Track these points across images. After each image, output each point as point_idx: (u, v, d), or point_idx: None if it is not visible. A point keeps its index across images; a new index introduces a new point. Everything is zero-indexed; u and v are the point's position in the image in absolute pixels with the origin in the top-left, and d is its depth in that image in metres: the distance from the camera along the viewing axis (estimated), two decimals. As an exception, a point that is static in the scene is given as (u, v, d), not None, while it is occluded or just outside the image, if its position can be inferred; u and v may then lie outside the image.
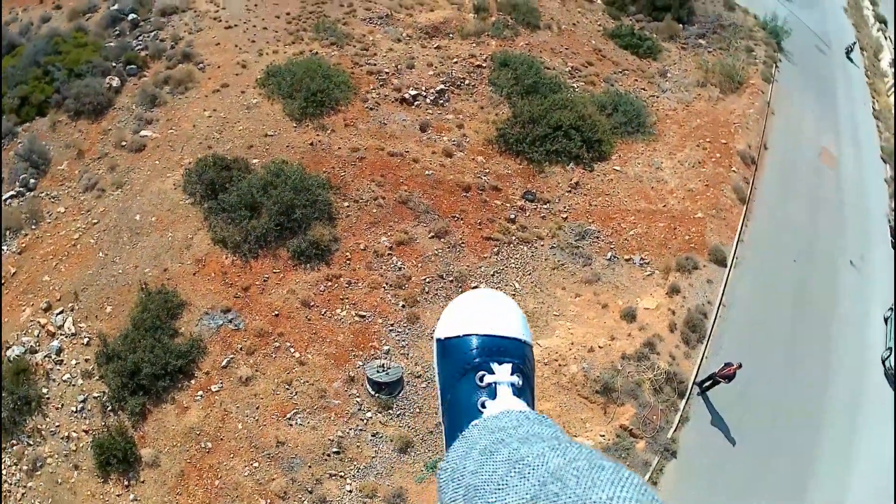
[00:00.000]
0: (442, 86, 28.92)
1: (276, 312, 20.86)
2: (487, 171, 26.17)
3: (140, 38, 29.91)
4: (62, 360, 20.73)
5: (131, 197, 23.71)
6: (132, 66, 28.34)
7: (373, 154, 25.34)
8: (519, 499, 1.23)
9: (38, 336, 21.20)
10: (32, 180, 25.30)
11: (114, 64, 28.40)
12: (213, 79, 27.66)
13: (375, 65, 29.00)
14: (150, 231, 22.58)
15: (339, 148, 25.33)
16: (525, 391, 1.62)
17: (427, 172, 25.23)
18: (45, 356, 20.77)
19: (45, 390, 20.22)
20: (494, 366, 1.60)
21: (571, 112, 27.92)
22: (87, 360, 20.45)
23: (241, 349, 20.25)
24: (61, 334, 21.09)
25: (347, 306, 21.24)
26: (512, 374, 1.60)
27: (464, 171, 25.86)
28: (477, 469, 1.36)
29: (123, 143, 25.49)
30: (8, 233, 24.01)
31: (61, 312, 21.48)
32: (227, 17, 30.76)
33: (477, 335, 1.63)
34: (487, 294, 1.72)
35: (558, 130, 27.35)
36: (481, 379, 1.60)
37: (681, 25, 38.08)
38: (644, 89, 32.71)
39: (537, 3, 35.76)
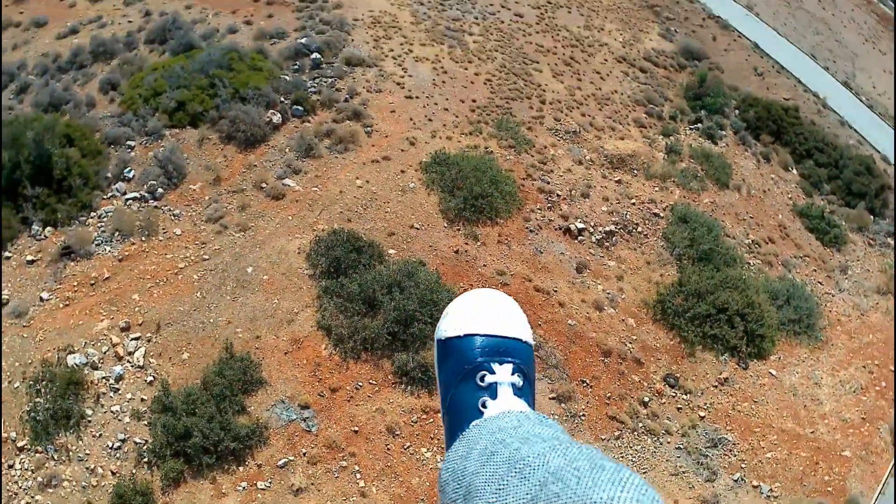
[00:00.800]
0: (612, 226, 27.91)
1: (356, 429, 19.86)
2: (635, 338, 24.78)
3: (317, 80, 30.49)
4: (118, 390, 20.51)
5: (251, 246, 23.56)
6: (298, 108, 28.79)
7: (518, 283, 24.38)
8: (519, 499, 1.28)
9: (104, 353, 21.11)
10: (161, 189, 25.72)
11: (282, 99, 28.99)
12: (377, 147, 27.64)
13: (549, 182, 28.34)
14: (257, 290, 22.23)
15: (485, 266, 24.55)
16: (526, 391, 1.71)
17: (570, 322, 24.00)
18: (103, 378, 20.62)
19: (89, 412, 20.08)
20: (495, 366, 1.69)
21: (741, 295, 26.64)
22: (142, 400, 20.16)
23: (304, 454, 19.37)
24: (128, 362, 20.92)
25: (436, 448, 20.06)
26: (513, 374, 1.69)
27: (609, 331, 24.53)
28: (478, 469, 1.42)
29: (263, 185, 25.59)
30: (117, 234, 24.38)
31: (137, 339, 21.35)
32: (411, 85, 30.98)
33: (478, 335, 1.71)
34: (488, 294, 1.82)
35: (722, 313, 26.10)
36: (482, 379, 1.68)
37: (872, 217, 36.70)
38: (821, 283, 31.10)
39: (732, 159, 34.82)
